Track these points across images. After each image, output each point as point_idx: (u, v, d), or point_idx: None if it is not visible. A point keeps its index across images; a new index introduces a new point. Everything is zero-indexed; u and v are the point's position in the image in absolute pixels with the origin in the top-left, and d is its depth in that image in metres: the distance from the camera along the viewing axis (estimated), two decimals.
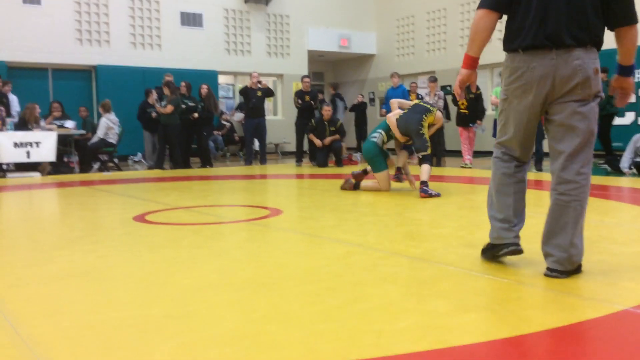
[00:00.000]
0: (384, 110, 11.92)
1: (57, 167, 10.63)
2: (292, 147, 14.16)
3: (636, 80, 11.01)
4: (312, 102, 11.79)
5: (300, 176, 9.33)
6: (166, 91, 11.12)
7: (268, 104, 14.29)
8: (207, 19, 15.18)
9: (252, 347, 1.99)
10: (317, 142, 11.15)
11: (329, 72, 19.48)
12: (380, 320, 2.23)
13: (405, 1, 16.85)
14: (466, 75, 2.94)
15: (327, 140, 11.07)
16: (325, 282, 2.82)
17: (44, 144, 9.99)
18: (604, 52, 2.84)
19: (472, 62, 2.92)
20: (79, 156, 11.15)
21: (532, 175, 8.16)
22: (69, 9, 13.35)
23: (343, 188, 6.87)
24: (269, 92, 12.17)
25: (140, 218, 4.98)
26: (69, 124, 11.07)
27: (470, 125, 10.47)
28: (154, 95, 11.67)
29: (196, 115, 11.33)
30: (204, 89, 11.84)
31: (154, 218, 4.98)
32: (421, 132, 6.42)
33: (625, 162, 8.65)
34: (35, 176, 9.87)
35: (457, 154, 12.52)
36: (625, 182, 7.65)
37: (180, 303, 2.52)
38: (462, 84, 2.97)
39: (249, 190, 7.47)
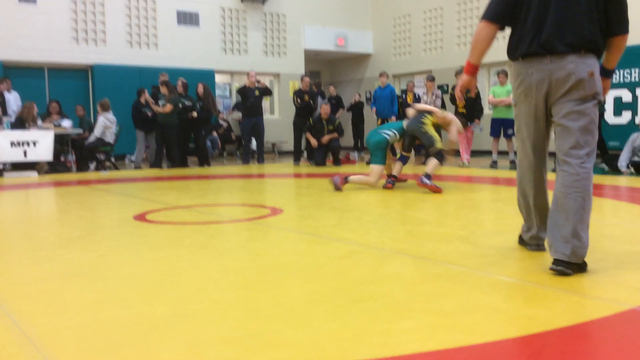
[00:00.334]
0: (374, 108, 11.90)
1: (54, 166, 10.58)
2: (289, 146, 14.14)
3: (634, 80, 11.04)
4: (312, 101, 11.78)
5: (298, 175, 9.31)
6: (164, 90, 11.08)
7: (265, 103, 14.26)
8: (203, 17, 15.14)
9: (259, 345, 1.98)
10: (313, 141, 11.14)
11: (326, 71, 19.46)
12: (387, 320, 2.22)
13: (402, 0, 16.85)
14: (467, 80, 3.17)
15: (325, 139, 11.05)
16: (329, 281, 2.81)
17: (41, 143, 9.94)
18: None
19: (472, 69, 3.14)
20: (76, 155, 11.10)
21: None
22: (65, 7, 13.29)
23: (335, 185, 6.79)
24: (266, 91, 12.15)
25: (140, 217, 4.96)
26: (66, 123, 11.01)
27: (469, 124, 10.47)
28: (146, 95, 11.61)
29: (195, 114, 11.30)
30: (200, 87, 11.80)
31: (154, 217, 4.96)
32: (423, 129, 6.50)
33: (622, 162, 8.67)
34: (33, 175, 9.83)
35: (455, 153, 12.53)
36: (623, 181, 7.66)
37: (185, 302, 2.50)
38: (462, 88, 3.21)
39: (247, 190, 7.45)
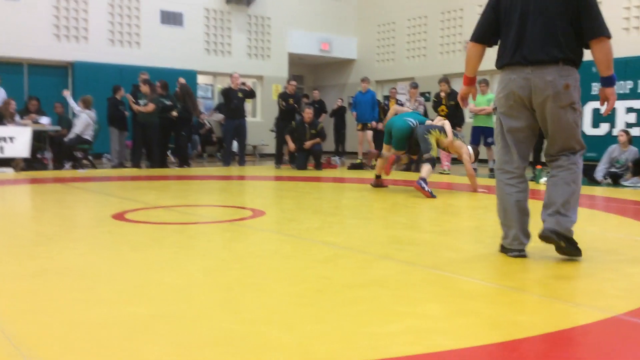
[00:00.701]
0: (354, 113, 11.90)
1: (31, 163, 10.40)
2: (270, 149, 14.11)
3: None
4: (296, 105, 11.76)
5: (280, 178, 9.28)
6: (144, 89, 10.96)
7: (247, 105, 14.21)
8: (187, 18, 15.05)
9: (245, 348, 1.95)
10: (291, 145, 11.13)
11: (309, 75, 19.47)
12: (372, 323, 2.21)
13: (387, 7, 16.95)
14: (464, 91, 3.59)
15: (307, 144, 11.04)
16: (314, 283, 2.79)
17: (18, 139, 9.77)
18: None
19: (468, 81, 3.55)
20: (54, 153, 10.93)
21: None
22: (47, 3, 13.12)
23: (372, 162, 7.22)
24: (250, 94, 12.11)
25: (120, 216, 4.89)
26: (44, 120, 10.85)
27: None
28: (122, 92, 11.46)
29: (175, 113, 11.18)
30: (178, 86, 11.64)
31: (134, 216, 4.89)
32: (426, 135, 6.80)
33: (599, 172, 8.81)
34: (8, 172, 9.65)
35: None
36: (601, 191, 7.78)
37: (168, 302, 2.47)
38: (461, 97, 3.62)
39: (229, 191, 7.40)
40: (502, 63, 3.31)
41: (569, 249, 3.25)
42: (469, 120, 11.75)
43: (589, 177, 9.08)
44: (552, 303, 2.50)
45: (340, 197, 7.02)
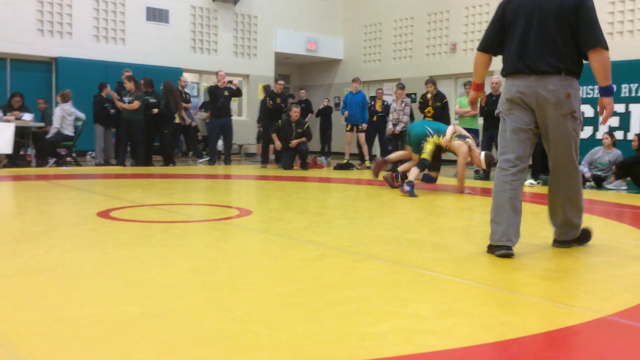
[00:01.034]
0: (346, 112, 11.86)
1: (13, 159, 10.26)
2: (256, 148, 14.06)
3: (595, 96, 11.34)
4: (283, 104, 11.73)
5: (265, 177, 9.25)
6: (129, 86, 10.84)
7: (233, 104, 14.15)
8: (173, 15, 14.95)
9: (235, 347, 1.94)
10: (277, 143, 11.11)
11: (295, 74, 19.45)
12: (362, 323, 2.20)
13: (374, 8, 16.98)
14: (473, 96, 3.84)
15: (293, 143, 11.02)
16: (303, 283, 2.78)
17: (0, 135, 9.63)
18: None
19: (477, 87, 3.79)
20: (37, 149, 10.79)
21: None
22: None
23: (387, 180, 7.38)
24: (236, 93, 12.06)
25: (105, 214, 4.84)
26: (27, 116, 10.70)
27: None
28: (108, 89, 11.34)
29: (155, 110, 11.07)
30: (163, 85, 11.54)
31: (119, 214, 4.85)
32: (422, 145, 7.08)
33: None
34: None
35: None
36: (585, 194, 7.82)
37: (156, 301, 2.44)
38: (471, 101, 3.88)
39: (215, 190, 7.36)
40: (507, 71, 3.49)
41: (581, 243, 3.75)
42: (454, 122, 11.79)
43: None
44: (542, 304, 2.51)
45: (327, 197, 7.02)
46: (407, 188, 6.57)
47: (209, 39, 15.66)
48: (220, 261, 3.25)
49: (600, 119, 3.45)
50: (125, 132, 10.92)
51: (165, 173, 9.62)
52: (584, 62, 3.44)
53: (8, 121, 10.04)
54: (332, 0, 17.77)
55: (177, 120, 11.77)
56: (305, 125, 11.30)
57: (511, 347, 2.01)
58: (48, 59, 13.40)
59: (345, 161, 11.71)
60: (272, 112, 11.63)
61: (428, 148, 7.04)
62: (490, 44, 3.60)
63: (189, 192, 7.16)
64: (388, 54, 16.57)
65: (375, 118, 12.03)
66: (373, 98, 13.21)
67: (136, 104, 10.63)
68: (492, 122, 9.72)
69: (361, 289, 2.67)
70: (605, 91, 3.36)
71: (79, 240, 3.77)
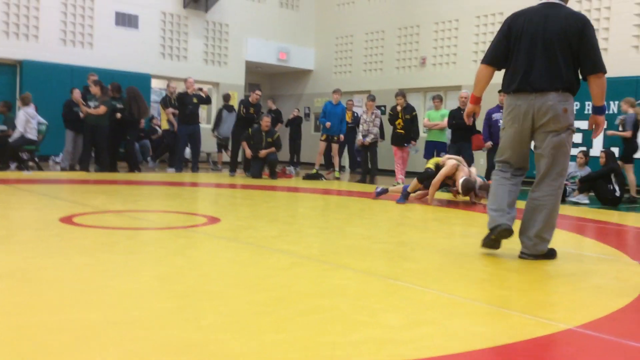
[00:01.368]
0: (328, 123, 11.76)
1: None
2: (224, 157, 13.93)
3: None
4: (255, 115, 11.66)
5: (234, 186, 9.17)
6: (95, 91, 10.62)
7: (201, 112, 14.01)
8: (143, 20, 14.79)
9: (202, 356, 1.89)
10: (248, 151, 11.05)
11: (266, 84, 19.41)
12: (333, 332, 2.17)
13: (345, 20, 17.10)
14: (470, 109, 3.98)
15: (263, 153, 10.97)
16: (273, 292, 2.74)
17: None
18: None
19: (475, 100, 3.93)
20: None
21: None
22: None
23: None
24: (206, 100, 11.95)
25: (68, 220, 4.71)
26: None
27: (405, 145, 10.66)
28: (75, 94, 11.10)
29: (119, 115, 10.86)
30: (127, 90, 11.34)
31: (83, 220, 4.73)
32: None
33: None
34: None
35: (390, 173, 12.74)
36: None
37: (120, 309, 2.37)
38: (467, 114, 4.01)
39: (182, 197, 7.25)
40: (511, 89, 3.71)
41: (546, 259, 3.78)
42: (423, 134, 11.92)
43: None
44: (510, 315, 2.53)
45: (296, 207, 6.98)
46: (401, 200, 7.21)
47: (179, 46, 15.53)
48: (187, 269, 3.18)
49: (593, 134, 3.79)
50: (89, 137, 10.69)
51: (129, 179, 9.45)
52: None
53: None
54: (304, 11, 17.84)
55: (142, 126, 11.60)
56: (276, 135, 11.26)
57: (480, 357, 2.00)
58: (13, 62, 13.11)
59: (314, 171, 11.70)
60: (244, 121, 11.56)
61: (429, 165, 7.60)
62: (495, 58, 3.80)
63: (155, 199, 7.04)
64: (359, 66, 16.68)
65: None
66: (345, 110, 13.22)
67: (102, 109, 10.43)
68: (460, 135, 9.85)
69: (332, 299, 2.65)
70: (600, 110, 3.71)
71: (41, 246, 3.66)
